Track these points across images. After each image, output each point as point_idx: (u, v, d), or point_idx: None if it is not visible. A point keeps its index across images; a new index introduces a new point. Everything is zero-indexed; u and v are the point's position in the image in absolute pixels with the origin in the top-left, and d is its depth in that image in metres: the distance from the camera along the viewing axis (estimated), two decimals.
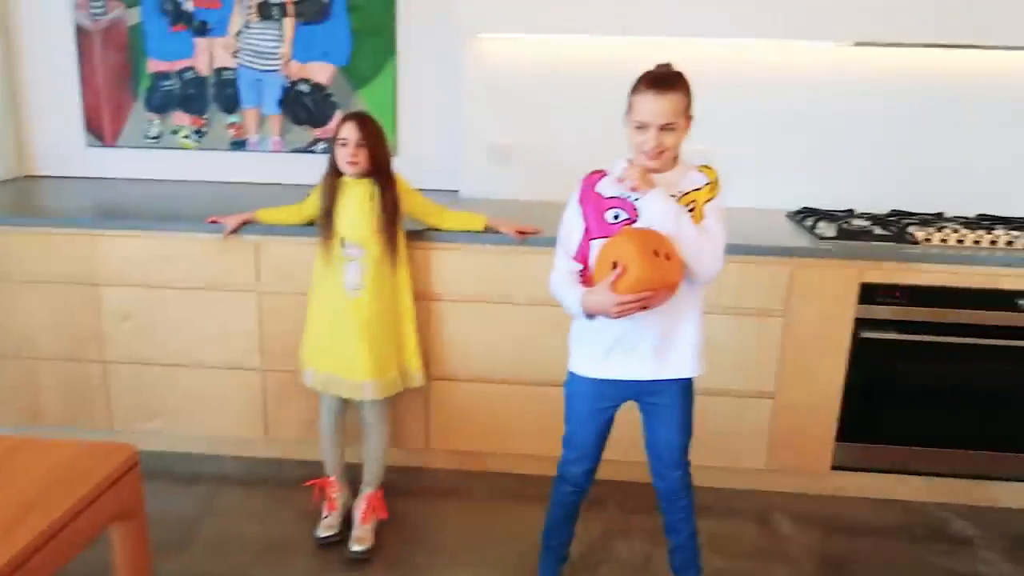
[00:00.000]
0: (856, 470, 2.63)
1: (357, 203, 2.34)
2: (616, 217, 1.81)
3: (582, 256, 1.86)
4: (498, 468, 2.77)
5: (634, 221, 1.79)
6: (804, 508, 2.61)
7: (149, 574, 1.54)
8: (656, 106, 1.73)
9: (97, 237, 2.64)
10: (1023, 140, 2.86)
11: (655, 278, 1.69)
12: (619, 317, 1.74)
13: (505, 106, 3.02)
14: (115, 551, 1.47)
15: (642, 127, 1.75)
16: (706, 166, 1.87)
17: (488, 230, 2.50)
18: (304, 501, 2.57)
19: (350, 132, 2.30)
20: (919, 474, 2.62)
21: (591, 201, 1.84)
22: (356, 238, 2.34)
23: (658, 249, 1.70)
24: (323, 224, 2.38)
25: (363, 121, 2.33)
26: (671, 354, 1.86)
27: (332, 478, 2.51)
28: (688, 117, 1.79)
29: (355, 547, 2.34)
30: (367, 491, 2.47)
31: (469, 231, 2.51)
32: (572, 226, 1.88)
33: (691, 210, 1.80)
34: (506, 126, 3.04)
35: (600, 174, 1.87)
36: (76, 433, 2.84)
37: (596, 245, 1.81)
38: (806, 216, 2.77)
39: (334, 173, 2.37)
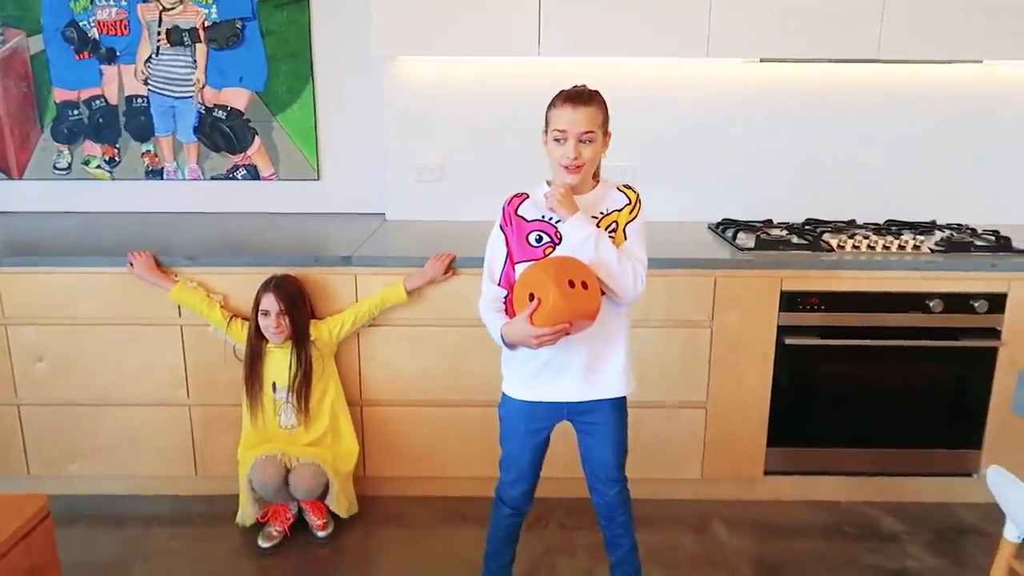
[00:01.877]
0: (788, 473, 2.70)
1: (281, 364, 2.45)
2: (539, 240, 1.82)
3: (507, 281, 1.86)
4: (437, 492, 2.74)
5: (557, 243, 1.80)
6: (740, 514, 2.66)
7: None
8: (574, 115, 1.75)
9: (4, 275, 2.51)
10: (925, 148, 3.00)
11: (570, 309, 1.69)
12: (539, 348, 1.75)
13: (428, 127, 3.01)
14: None
15: (560, 138, 1.76)
16: (627, 186, 1.89)
17: (412, 293, 2.48)
18: (238, 538, 2.49)
19: (270, 304, 2.38)
20: (847, 474, 2.70)
21: (513, 224, 1.85)
22: (285, 383, 2.45)
23: (574, 278, 1.69)
24: (249, 380, 2.46)
25: (281, 290, 2.40)
26: (600, 374, 1.87)
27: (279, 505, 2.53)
28: (606, 132, 1.82)
29: (320, 533, 2.51)
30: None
31: (396, 304, 2.49)
32: (495, 251, 1.88)
33: (612, 231, 1.82)
34: (430, 147, 3.03)
35: (522, 197, 1.88)
36: None
37: (520, 269, 1.82)
38: (727, 227, 2.85)
39: (258, 337, 2.44)
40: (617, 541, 2.03)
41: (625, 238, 1.84)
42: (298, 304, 2.43)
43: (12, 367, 2.58)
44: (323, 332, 2.47)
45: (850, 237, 2.68)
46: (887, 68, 2.91)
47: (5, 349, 2.57)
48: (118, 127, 3.12)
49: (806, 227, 2.87)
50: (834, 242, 2.64)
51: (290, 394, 2.45)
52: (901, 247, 2.61)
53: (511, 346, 1.83)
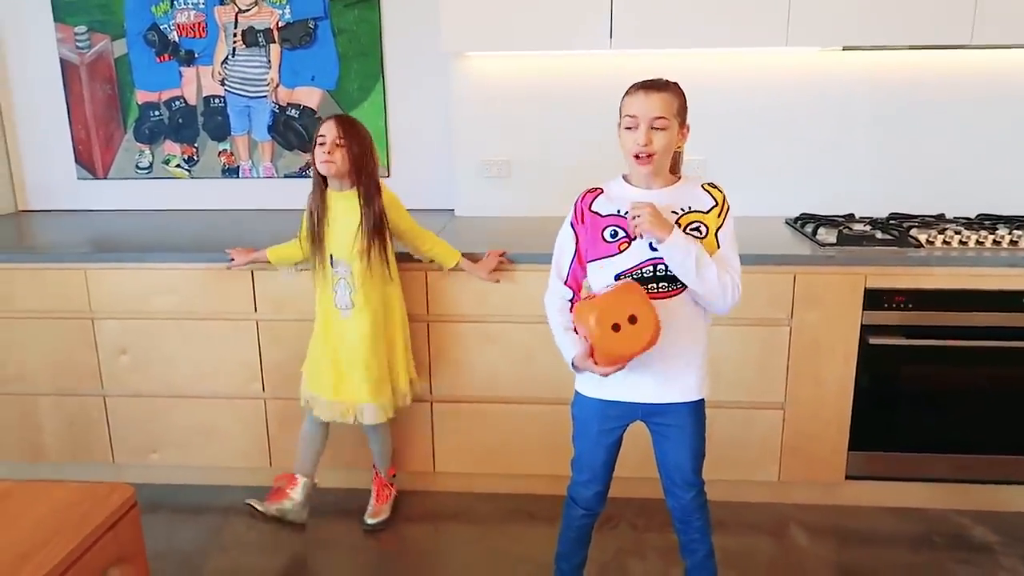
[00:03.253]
0: (870, 479, 2.59)
1: (342, 218, 2.28)
2: (614, 235, 1.76)
3: (574, 279, 1.84)
4: (506, 489, 2.73)
5: (633, 238, 1.74)
6: (819, 519, 2.56)
7: None
8: (647, 101, 1.69)
9: (91, 270, 2.60)
10: (1019, 138, 2.84)
11: (617, 353, 1.68)
12: (606, 376, 1.75)
13: (496, 123, 3.00)
14: None
15: (632, 125, 1.71)
16: (712, 184, 1.80)
17: (458, 268, 2.43)
18: (315, 530, 2.53)
19: (328, 130, 2.22)
20: (934, 480, 2.57)
21: (587, 221, 1.80)
22: (342, 255, 2.29)
23: (619, 321, 1.65)
24: (309, 241, 2.33)
25: (343, 120, 2.25)
26: (675, 378, 1.81)
27: (297, 476, 2.51)
28: (683, 124, 1.75)
29: (369, 520, 2.53)
30: (380, 474, 2.59)
31: (440, 263, 2.44)
32: (564, 248, 1.84)
33: (695, 229, 1.74)
34: (498, 143, 3.02)
35: (596, 192, 1.82)
36: (78, 468, 2.81)
37: (592, 268, 1.80)
38: (806, 222, 2.75)
39: (319, 185, 2.30)
40: (693, 546, 1.97)
41: (718, 245, 1.76)
42: (361, 142, 2.23)
43: (99, 359, 2.68)
44: (392, 199, 2.33)
45: (940, 232, 2.55)
46: (978, 54, 2.75)
47: (92, 342, 2.66)
48: (196, 127, 3.21)
49: (891, 222, 2.75)
50: (922, 237, 2.52)
51: (348, 267, 2.28)
52: (996, 242, 2.47)
53: (581, 371, 1.82)
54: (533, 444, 2.62)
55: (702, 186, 1.80)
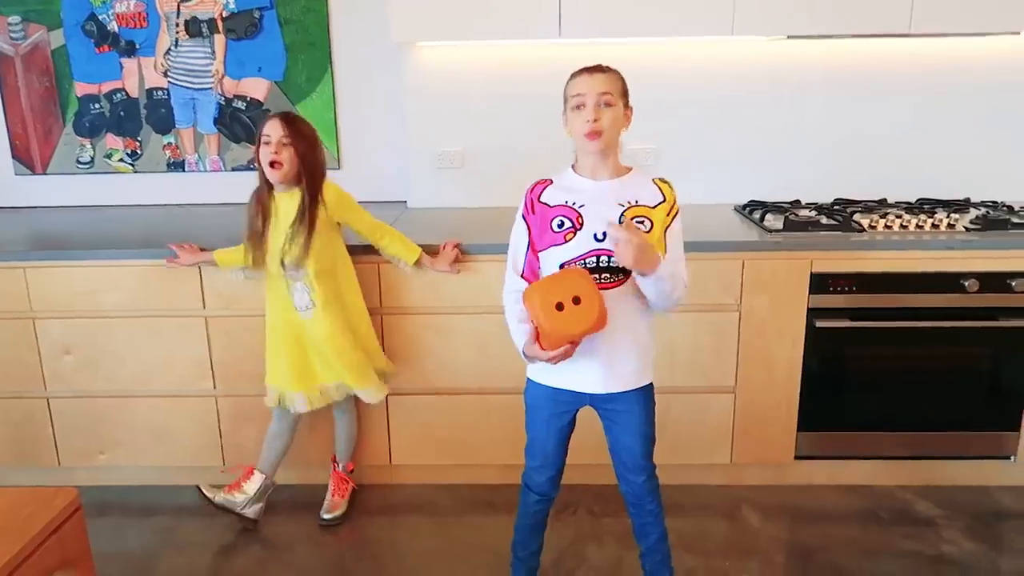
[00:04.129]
0: (819, 458, 2.65)
1: (288, 221, 2.22)
2: (561, 225, 1.78)
3: (530, 270, 1.85)
4: (465, 480, 2.73)
5: (578, 228, 1.76)
6: (771, 499, 2.62)
7: None
8: (592, 80, 1.74)
9: (30, 269, 2.53)
10: (958, 124, 2.92)
11: (560, 333, 1.70)
12: (557, 364, 1.77)
13: (449, 114, 2.98)
14: None
15: (579, 104, 1.73)
16: (663, 180, 1.83)
17: (419, 265, 2.42)
18: (271, 527, 2.50)
19: (272, 129, 2.16)
20: (880, 458, 2.65)
21: (536, 211, 1.81)
22: (293, 259, 2.23)
23: (563, 300, 1.66)
24: (253, 246, 2.26)
25: (287, 119, 2.18)
26: (620, 366, 1.82)
27: (256, 471, 2.49)
28: (627, 106, 1.78)
29: (325, 515, 2.51)
30: (338, 467, 2.59)
31: (400, 261, 2.42)
32: (518, 241, 1.86)
33: (640, 223, 1.75)
34: (450, 134, 3.00)
35: (545, 183, 1.84)
36: (23, 472, 2.74)
37: (543, 257, 1.81)
38: (754, 209, 2.79)
39: (264, 187, 2.25)
40: (646, 529, 2.00)
41: (665, 246, 1.78)
42: (307, 140, 2.18)
43: (41, 360, 2.60)
44: (332, 193, 2.26)
45: (882, 217, 2.62)
46: (919, 42, 2.83)
47: (33, 343, 2.58)
48: (139, 120, 3.13)
49: (835, 207, 2.81)
50: (865, 222, 2.58)
51: (303, 269, 2.23)
52: (935, 226, 2.55)
53: (531, 360, 1.83)
54: (491, 434, 2.62)
55: (653, 180, 1.83)
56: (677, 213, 1.81)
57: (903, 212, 2.71)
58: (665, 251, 1.78)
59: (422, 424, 2.64)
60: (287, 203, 2.24)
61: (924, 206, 2.82)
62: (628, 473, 1.95)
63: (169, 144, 3.15)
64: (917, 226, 2.55)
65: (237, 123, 3.12)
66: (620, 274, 1.76)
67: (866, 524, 2.49)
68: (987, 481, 2.66)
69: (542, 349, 1.76)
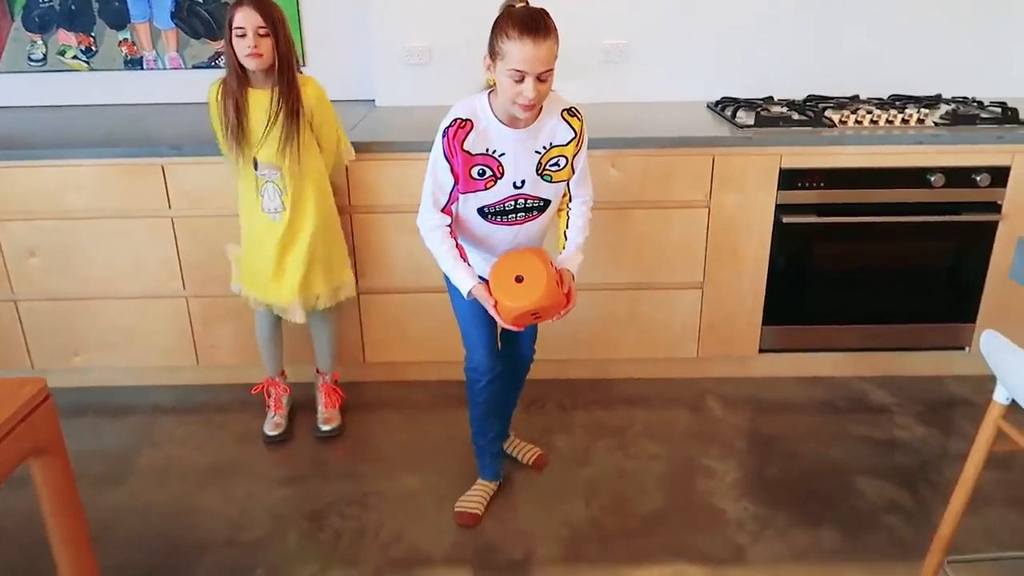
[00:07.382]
0: (782, 351, 2.73)
1: (262, 117, 2.13)
2: (482, 173, 1.80)
3: (449, 209, 1.86)
4: (436, 376, 2.78)
5: (499, 177, 1.80)
6: (734, 391, 2.70)
7: (77, 507, 1.50)
8: (536, 52, 1.63)
9: None
10: (931, 19, 2.88)
11: (524, 304, 1.75)
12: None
13: (415, 8, 2.88)
14: (38, 486, 1.42)
15: (518, 79, 1.66)
16: (571, 112, 1.83)
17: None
18: (243, 424, 2.55)
19: (246, 19, 2.03)
20: (841, 350, 2.73)
21: (459, 157, 1.78)
22: (267, 158, 2.16)
23: (520, 273, 1.76)
24: (229, 143, 2.17)
25: (259, 5, 2.05)
26: None
27: (275, 379, 2.55)
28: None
29: (324, 427, 2.50)
30: (325, 379, 2.58)
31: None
32: (441, 180, 1.81)
33: (555, 164, 1.83)
34: (418, 29, 2.91)
35: (466, 128, 1.77)
36: None
37: (463, 200, 1.84)
38: (726, 106, 2.76)
39: (242, 81, 2.12)
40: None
41: (573, 171, 1.88)
42: (283, 27, 2.09)
43: (5, 263, 2.57)
44: (314, 90, 2.19)
45: (852, 112, 2.61)
46: None
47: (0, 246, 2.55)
48: (92, 14, 2.98)
49: (807, 103, 2.79)
50: (836, 118, 2.57)
51: (276, 170, 2.17)
52: (905, 121, 2.55)
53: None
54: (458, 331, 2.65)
55: (561, 114, 1.82)
56: (584, 142, 1.87)
57: (874, 108, 2.70)
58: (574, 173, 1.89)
59: (394, 322, 2.66)
60: (258, 100, 2.14)
61: (896, 102, 2.80)
62: (525, 351, 2.16)
63: (125, 40, 3.02)
64: (887, 121, 2.54)
65: (195, 17, 2.99)
66: (534, 211, 1.88)
67: (824, 413, 2.58)
68: (941, 371, 2.76)
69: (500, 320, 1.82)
